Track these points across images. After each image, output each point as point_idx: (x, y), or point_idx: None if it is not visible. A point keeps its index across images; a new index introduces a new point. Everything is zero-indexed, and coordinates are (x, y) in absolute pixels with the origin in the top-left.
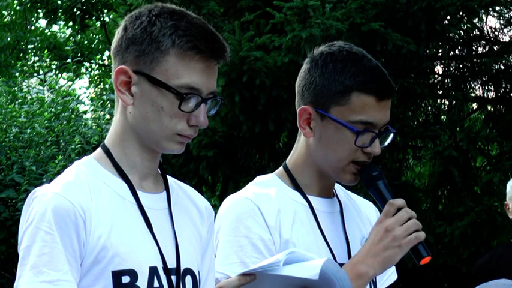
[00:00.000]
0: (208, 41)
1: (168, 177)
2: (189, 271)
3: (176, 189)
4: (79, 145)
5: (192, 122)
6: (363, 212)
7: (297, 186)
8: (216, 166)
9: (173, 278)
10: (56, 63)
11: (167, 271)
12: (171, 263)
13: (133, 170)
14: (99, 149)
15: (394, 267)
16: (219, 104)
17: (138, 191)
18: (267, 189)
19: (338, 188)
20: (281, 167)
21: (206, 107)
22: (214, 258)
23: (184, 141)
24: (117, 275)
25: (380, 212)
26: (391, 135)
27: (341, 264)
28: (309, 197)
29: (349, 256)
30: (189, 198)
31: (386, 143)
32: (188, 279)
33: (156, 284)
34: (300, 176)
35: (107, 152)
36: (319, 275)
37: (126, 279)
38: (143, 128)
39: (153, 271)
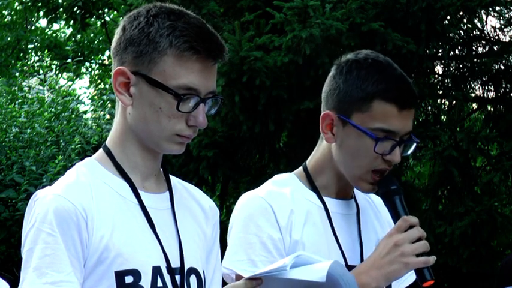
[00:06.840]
0: (205, 41)
1: (172, 177)
2: (193, 271)
3: (180, 189)
4: (79, 145)
5: (191, 122)
6: (382, 215)
7: (313, 187)
8: (216, 166)
9: (177, 277)
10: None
11: (171, 271)
12: (175, 263)
13: (135, 170)
14: (100, 150)
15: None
16: (219, 104)
17: (140, 191)
18: (283, 189)
19: (357, 190)
20: (300, 167)
21: (206, 107)
22: (221, 258)
23: (183, 142)
24: (120, 275)
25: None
26: (414, 145)
27: (352, 267)
28: (325, 198)
29: (362, 259)
30: (193, 198)
31: (409, 152)
32: (193, 279)
33: (159, 283)
34: (319, 177)
35: (108, 152)
36: (326, 278)
37: (129, 279)
38: (142, 128)
39: (156, 271)
